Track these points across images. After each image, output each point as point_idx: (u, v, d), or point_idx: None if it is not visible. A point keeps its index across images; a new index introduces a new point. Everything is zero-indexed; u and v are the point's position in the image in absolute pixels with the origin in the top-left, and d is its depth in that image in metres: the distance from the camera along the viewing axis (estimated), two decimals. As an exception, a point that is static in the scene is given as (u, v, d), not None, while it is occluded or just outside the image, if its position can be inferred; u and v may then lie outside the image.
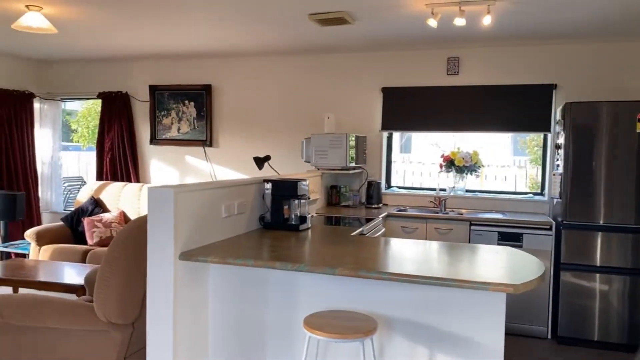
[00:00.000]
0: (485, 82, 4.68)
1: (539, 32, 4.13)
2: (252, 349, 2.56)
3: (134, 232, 2.56)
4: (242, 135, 5.52)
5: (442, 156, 4.84)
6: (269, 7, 3.60)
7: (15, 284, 3.96)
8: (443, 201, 4.60)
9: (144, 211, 5.28)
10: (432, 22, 3.50)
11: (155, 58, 5.66)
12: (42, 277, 3.81)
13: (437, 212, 4.47)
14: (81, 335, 2.58)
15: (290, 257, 2.34)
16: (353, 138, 4.47)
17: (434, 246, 2.66)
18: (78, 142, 13.31)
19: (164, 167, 5.81)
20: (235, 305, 2.59)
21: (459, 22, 3.49)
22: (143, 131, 5.85)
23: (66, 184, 7.06)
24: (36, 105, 6.09)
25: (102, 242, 4.98)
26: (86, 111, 13.28)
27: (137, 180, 5.80)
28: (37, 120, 6.14)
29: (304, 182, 3.20)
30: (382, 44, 4.72)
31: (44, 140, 6.21)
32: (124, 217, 5.27)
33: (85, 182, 7.99)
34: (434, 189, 4.97)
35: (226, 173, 5.59)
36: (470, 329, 2.22)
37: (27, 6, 3.67)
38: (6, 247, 5.36)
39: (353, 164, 4.47)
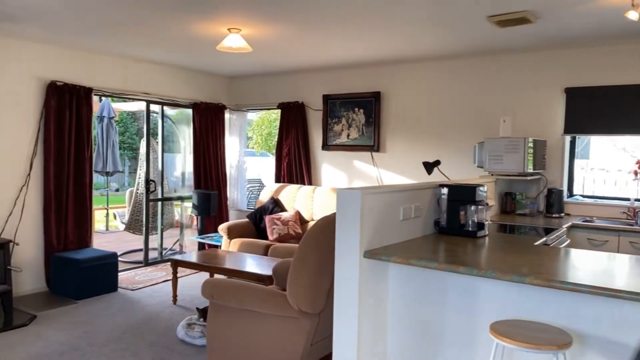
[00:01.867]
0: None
1: None
2: (430, 349, 2.60)
3: (323, 229, 2.78)
4: (409, 140, 5.58)
5: (638, 162, 4.32)
6: (445, 12, 3.61)
7: (212, 271, 4.56)
8: (639, 212, 4.09)
9: (316, 211, 5.66)
10: (633, 15, 3.16)
11: (328, 69, 6.03)
12: (235, 266, 4.33)
13: (632, 225, 4.00)
14: (275, 320, 2.89)
15: (473, 262, 2.33)
16: (531, 142, 4.23)
17: (633, 261, 2.41)
18: (253, 148, 14.73)
19: (334, 171, 6.16)
20: (413, 305, 2.66)
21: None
22: (316, 137, 6.27)
23: (248, 185, 7.86)
24: (226, 115, 6.93)
25: (281, 239, 5.46)
26: (260, 121, 14.64)
27: (310, 183, 6.24)
28: (227, 129, 6.98)
29: (481, 188, 3.14)
30: (565, 42, 4.39)
31: (232, 146, 7.03)
32: (299, 216, 5.71)
33: (262, 184, 8.82)
34: (625, 199, 4.45)
35: (392, 178, 5.71)
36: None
37: (229, 29, 4.22)
38: (203, 238, 6.19)
39: (531, 170, 4.24)
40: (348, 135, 5.99)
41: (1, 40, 4.63)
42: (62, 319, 4.22)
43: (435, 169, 4.19)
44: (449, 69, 5.31)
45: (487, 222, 3.18)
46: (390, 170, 5.73)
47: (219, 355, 3.11)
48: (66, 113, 5.01)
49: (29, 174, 4.87)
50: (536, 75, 4.80)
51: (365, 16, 3.80)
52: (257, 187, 8.61)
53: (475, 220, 3.10)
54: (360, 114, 5.87)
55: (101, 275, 4.95)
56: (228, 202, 6.97)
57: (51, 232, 4.97)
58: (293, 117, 6.30)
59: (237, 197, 7.07)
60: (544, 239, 3.20)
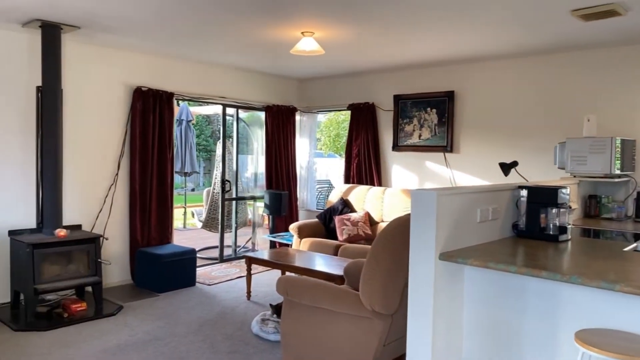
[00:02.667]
0: None
1: None
2: (507, 353, 2.52)
3: (396, 230, 2.78)
4: (484, 141, 5.42)
5: None
6: (527, 7, 3.48)
7: (284, 268, 4.67)
8: None
9: (386, 213, 5.63)
10: None
11: (400, 69, 5.99)
12: (306, 265, 4.41)
13: None
14: (348, 319, 2.92)
15: (555, 267, 2.23)
16: (619, 142, 3.98)
17: None
18: (320, 149, 14.89)
19: (405, 172, 6.10)
20: (490, 310, 2.59)
21: None
22: (386, 138, 6.24)
23: (317, 186, 7.96)
24: (297, 117, 7.07)
25: (351, 239, 5.49)
26: (328, 122, 14.76)
27: (380, 184, 6.22)
28: (297, 131, 7.11)
29: (564, 190, 3.00)
30: (658, 34, 4.09)
31: (302, 147, 7.16)
32: (368, 217, 5.71)
33: (331, 185, 8.88)
34: None
35: (466, 179, 5.57)
36: None
37: (302, 33, 4.31)
38: (274, 237, 6.36)
39: (618, 172, 3.98)
40: (420, 136, 5.91)
41: (95, 49, 5.01)
42: (145, 310, 4.50)
43: (512, 170, 4.04)
44: (528, 66, 5.10)
45: (569, 226, 3.03)
46: (463, 172, 5.60)
47: (293, 351, 3.19)
48: (150, 116, 5.33)
49: (116, 174, 5.23)
50: (624, 71, 4.51)
51: (442, 16, 3.74)
52: (326, 188, 8.70)
53: (557, 224, 2.96)
54: (432, 114, 5.78)
55: (181, 270, 5.22)
56: (298, 202, 7.10)
57: (136, 229, 5.30)
58: (363, 118, 6.32)
59: (306, 197, 7.19)
60: (634, 244, 2.99)
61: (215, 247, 7.03)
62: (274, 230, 6.58)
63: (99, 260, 4.49)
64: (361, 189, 5.97)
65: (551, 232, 2.95)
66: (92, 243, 4.47)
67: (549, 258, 2.43)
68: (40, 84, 4.49)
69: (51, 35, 4.29)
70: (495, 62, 5.31)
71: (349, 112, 6.55)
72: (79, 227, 4.86)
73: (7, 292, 4.50)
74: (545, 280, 2.37)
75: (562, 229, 2.96)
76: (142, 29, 4.32)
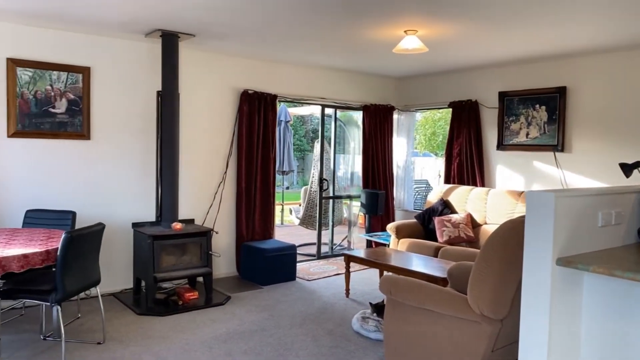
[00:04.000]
0: None
1: None
2: (636, 373, 2.33)
3: (509, 232, 2.67)
4: (601, 139, 5.02)
5: None
6: (656, -7, 3.18)
7: (384, 268, 4.67)
8: None
9: (490, 215, 5.42)
10: None
11: (505, 64, 5.73)
12: (406, 265, 4.38)
13: None
14: (455, 322, 2.86)
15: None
16: None
17: None
18: (416, 148, 14.67)
19: (510, 172, 5.83)
20: (611, 321, 2.40)
21: None
22: (490, 137, 6.01)
23: (414, 186, 7.85)
24: (395, 116, 7.03)
25: (451, 241, 5.36)
26: (424, 120, 14.49)
27: (482, 185, 6.00)
28: (395, 130, 7.07)
29: (703, 194, 2.70)
30: None
31: (399, 147, 7.10)
32: (470, 219, 5.53)
33: (429, 185, 8.71)
34: None
35: (579, 180, 5.20)
36: None
37: (405, 31, 4.29)
38: (371, 236, 6.38)
39: None
40: (527, 134, 5.61)
41: (208, 55, 5.36)
42: (251, 302, 4.73)
43: (635, 171, 3.71)
44: (653, 58, 4.65)
45: None
46: (576, 172, 5.23)
47: (396, 351, 3.19)
48: (255, 118, 5.59)
49: (225, 172, 5.55)
50: None
51: (553, 7, 3.53)
52: (424, 188, 8.55)
53: (693, 231, 2.68)
54: (541, 111, 5.46)
55: (282, 264, 5.42)
56: (395, 202, 7.06)
57: (241, 224, 5.59)
58: (465, 115, 6.13)
59: (403, 197, 7.12)
60: None
61: (312, 244, 7.21)
62: (370, 229, 6.61)
63: (210, 252, 4.80)
64: (463, 190, 5.80)
65: (686, 240, 2.67)
66: (204, 236, 4.79)
67: (687, 268, 2.20)
68: (160, 88, 4.90)
69: (170, 43, 4.65)
70: (613, 54, 4.90)
71: (445, 110, 6.39)
72: (192, 221, 5.23)
73: (130, 279, 4.97)
74: (682, 293, 2.15)
75: (700, 237, 2.67)
76: (249, 35, 4.55)
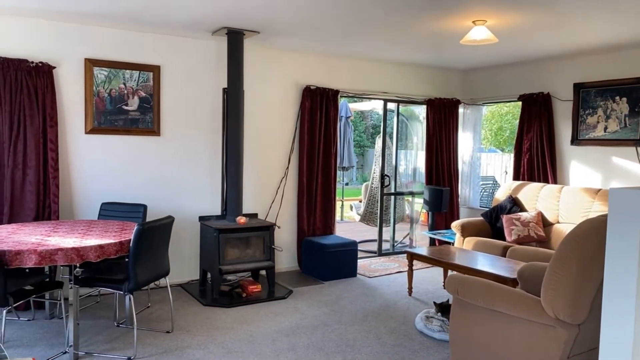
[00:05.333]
0: None
1: None
2: None
3: (588, 233, 2.50)
4: (691, 133, 4.61)
5: None
6: None
7: (449, 267, 4.54)
8: None
9: (563, 213, 5.13)
10: None
11: (581, 54, 5.39)
12: (473, 265, 4.22)
13: None
14: (526, 325, 2.72)
15: None
16: None
17: None
18: (482, 144, 14.18)
19: (585, 168, 5.48)
20: None
21: None
22: (563, 132, 5.68)
23: (480, 183, 7.59)
24: (460, 110, 6.80)
25: (520, 240, 5.12)
26: (489, 114, 13.97)
27: (554, 182, 5.68)
28: (460, 124, 6.85)
29: None
30: None
31: (465, 142, 6.87)
32: (541, 218, 5.26)
33: (495, 181, 8.38)
34: None
35: (664, 177, 4.80)
36: None
37: (473, 22, 4.12)
38: (434, 234, 6.22)
39: None
40: (605, 128, 5.25)
41: (271, 52, 5.42)
42: (312, 296, 4.75)
43: None
44: None
45: None
46: (660, 169, 4.83)
47: (462, 353, 3.08)
48: (317, 113, 5.60)
49: (287, 167, 5.60)
50: None
51: (641, -12, 3.26)
52: (490, 185, 8.22)
53: None
54: (622, 104, 5.09)
55: (343, 260, 5.41)
56: (459, 199, 6.85)
57: (302, 219, 5.62)
58: (536, 109, 5.82)
59: (469, 194, 6.89)
60: None
61: (372, 240, 7.14)
62: (433, 227, 6.45)
63: (273, 246, 4.86)
64: (533, 187, 5.52)
65: None
66: (266, 230, 4.85)
67: None
68: (225, 85, 5.00)
69: (235, 40, 4.74)
70: None
71: (513, 104, 6.09)
72: (255, 215, 5.32)
73: (197, 270, 5.13)
74: None
75: None
76: (312, 31, 4.54)
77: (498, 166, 10.12)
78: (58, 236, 3.39)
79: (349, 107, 9.57)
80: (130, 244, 3.28)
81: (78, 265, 3.18)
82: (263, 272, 5.22)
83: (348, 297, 4.75)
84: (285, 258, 5.69)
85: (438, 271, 5.78)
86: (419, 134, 7.54)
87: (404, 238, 7.21)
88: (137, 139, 4.77)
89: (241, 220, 4.78)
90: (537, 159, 5.81)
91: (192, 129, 5.04)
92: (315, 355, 3.44)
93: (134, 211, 4.31)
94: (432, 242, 6.53)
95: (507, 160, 9.65)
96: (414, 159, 7.77)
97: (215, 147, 5.17)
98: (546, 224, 5.26)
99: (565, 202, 5.13)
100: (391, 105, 6.57)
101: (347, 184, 15.29)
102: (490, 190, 8.25)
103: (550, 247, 5.11)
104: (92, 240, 3.27)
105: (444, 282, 5.15)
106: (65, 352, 3.33)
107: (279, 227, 5.50)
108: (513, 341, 2.79)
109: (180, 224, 5.03)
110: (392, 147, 6.86)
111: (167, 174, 4.94)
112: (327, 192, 5.77)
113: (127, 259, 3.41)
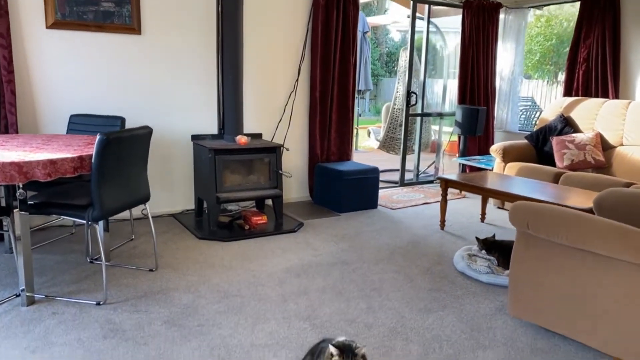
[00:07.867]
0: None
1: None
2: None
3: None
4: None
5: None
6: None
7: (494, 195, 3.76)
8: None
9: (629, 134, 4.25)
10: None
11: None
12: (530, 193, 3.43)
13: None
14: (631, 270, 1.94)
15: None
16: None
17: None
18: (524, 57, 12.85)
19: (657, 81, 4.54)
20: None
21: None
22: (633, 37, 4.67)
23: (519, 103, 6.64)
24: (501, 16, 5.75)
25: (574, 166, 4.30)
26: (533, 33, 12.54)
27: (616, 97, 4.75)
28: (501, 34, 5.82)
29: None
30: None
31: (505, 55, 5.87)
32: (600, 139, 4.39)
33: (535, 103, 7.35)
34: None
35: None
36: None
37: None
38: (468, 160, 5.40)
39: None
40: (692, 28, 4.25)
41: None
42: (326, 230, 4.02)
43: None
44: None
45: None
46: None
47: (529, 303, 2.34)
48: (333, 12, 4.61)
49: (297, 79, 4.71)
50: None
51: None
52: (530, 107, 7.26)
53: None
54: None
55: (362, 190, 4.63)
56: (495, 122, 5.95)
57: (315, 141, 4.80)
58: (598, 9, 4.78)
59: (507, 116, 5.98)
60: None
61: (393, 170, 6.35)
62: (464, 152, 5.61)
63: (280, 171, 4.08)
64: (591, 103, 4.61)
65: None
66: (272, 153, 4.06)
67: None
68: (220, -28, 4.03)
69: None
70: None
71: (571, 13, 5.05)
72: (259, 136, 4.50)
73: (192, 199, 4.40)
74: None
75: None
76: None
77: (538, 94, 8.98)
78: (2, 149, 2.61)
79: (367, 22, 8.47)
80: (92, 160, 2.51)
81: (21, 185, 2.42)
82: (269, 202, 4.48)
83: (369, 232, 4.01)
84: (295, 186, 4.92)
85: (471, 202, 5.01)
86: (450, 47, 6.53)
87: (428, 167, 6.40)
88: (113, 38, 3.87)
89: (242, 140, 3.97)
90: (595, 71, 4.85)
91: (182, 27, 4.11)
92: (333, 300, 2.74)
93: (110, 125, 3.51)
94: (463, 169, 5.72)
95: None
96: (445, 76, 6.81)
97: (209, 54, 4.26)
98: (606, 147, 4.40)
99: (632, 120, 4.24)
100: (424, 9, 5.53)
101: (360, 115, 14.30)
102: (529, 113, 7.30)
103: (612, 173, 4.28)
104: (41, 154, 2.49)
105: (482, 214, 4.38)
106: (18, 295, 2.65)
107: (287, 150, 4.69)
108: (610, 292, 2.03)
109: (169, 144, 4.23)
110: (421, 62, 5.87)
111: (151, 83, 4.08)
112: (345, 109, 4.89)
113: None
